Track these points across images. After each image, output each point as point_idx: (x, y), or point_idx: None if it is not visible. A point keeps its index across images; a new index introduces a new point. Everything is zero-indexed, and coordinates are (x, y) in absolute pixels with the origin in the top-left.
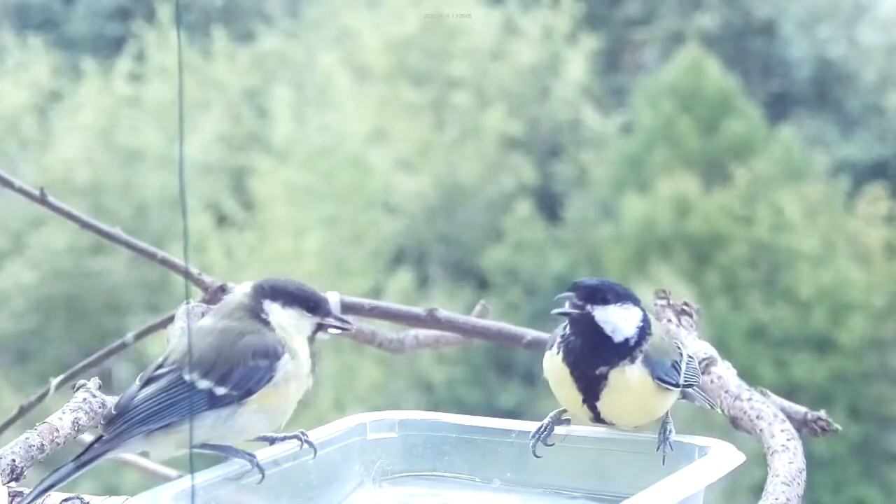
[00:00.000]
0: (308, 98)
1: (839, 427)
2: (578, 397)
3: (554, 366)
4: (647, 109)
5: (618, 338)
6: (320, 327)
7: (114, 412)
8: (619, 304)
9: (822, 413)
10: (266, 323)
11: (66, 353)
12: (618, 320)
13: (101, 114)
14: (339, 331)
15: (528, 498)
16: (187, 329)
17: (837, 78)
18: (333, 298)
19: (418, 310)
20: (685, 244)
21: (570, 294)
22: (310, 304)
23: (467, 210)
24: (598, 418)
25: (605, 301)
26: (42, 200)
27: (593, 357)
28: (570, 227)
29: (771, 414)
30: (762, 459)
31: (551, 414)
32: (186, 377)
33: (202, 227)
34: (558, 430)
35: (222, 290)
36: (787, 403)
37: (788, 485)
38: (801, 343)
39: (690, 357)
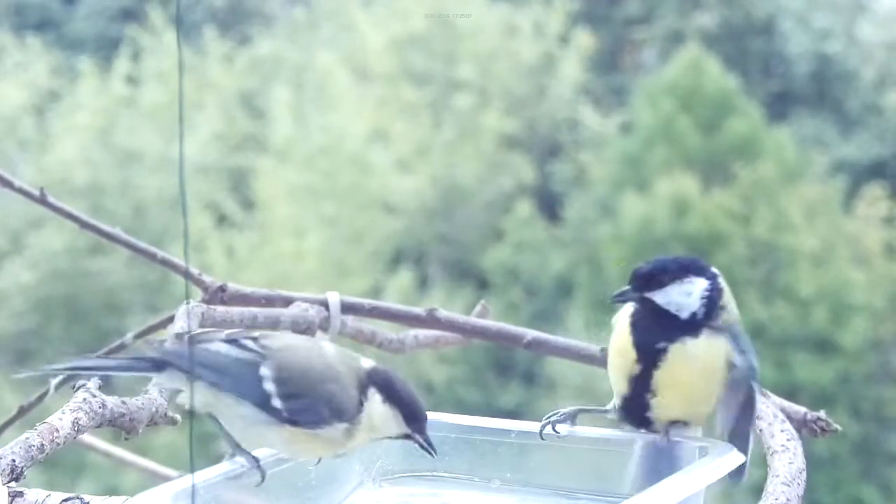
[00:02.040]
0: (307, 98)
1: (839, 427)
2: (634, 369)
3: (618, 337)
4: (646, 109)
5: (684, 315)
6: (406, 437)
7: (185, 333)
8: (676, 282)
9: (822, 413)
10: (359, 403)
11: (65, 353)
12: (680, 298)
13: (99, 114)
14: (421, 450)
15: (528, 498)
16: (187, 329)
17: (837, 76)
18: (333, 298)
19: (418, 310)
20: (684, 243)
21: (627, 288)
22: (410, 413)
23: (467, 210)
24: (643, 381)
25: (661, 284)
26: (42, 200)
27: (659, 332)
28: (569, 227)
29: (771, 414)
30: (762, 459)
31: (574, 407)
32: (261, 371)
33: (202, 226)
34: (560, 427)
35: (222, 289)
36: (786, 403)
37: (788, 485)
38: (802, 343)
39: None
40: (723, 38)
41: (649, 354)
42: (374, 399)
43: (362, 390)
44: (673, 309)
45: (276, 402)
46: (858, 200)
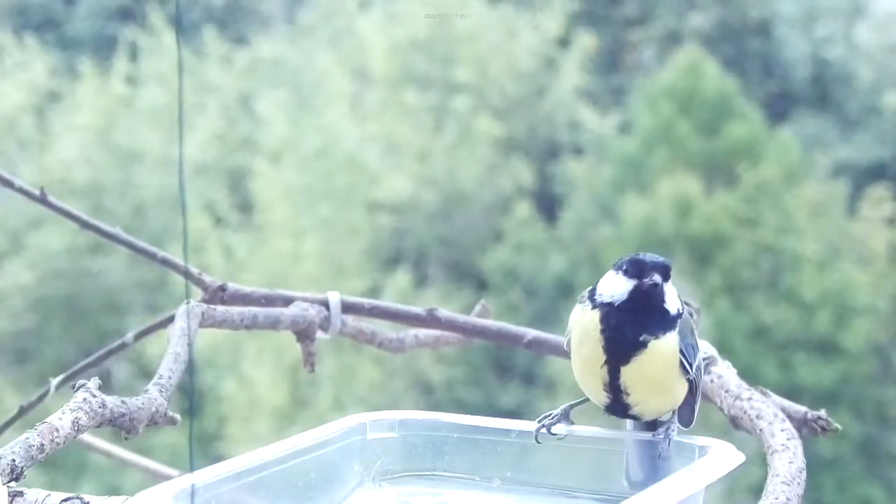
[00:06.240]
0: (304, 99)
1: (839, 426)
2: (601, 357)
3: (585, 318)
4: (645, 111)
5: (672, 311)
6: None
7: None
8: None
9: (822, 412)
10: None
11: (65, 353)
12: (671, 295)
13: (99, 114)
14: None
15: (528, 497)
16: (187, 329)
17: (835, 77)
18: (334, 298)
19: (418, 309)
20: (687, 245)
21: (659, 277)
22: None
23: (467, 212)
24: (613, 386)
25: (669, 277)
26: (42, 200)
27: (645, 324)
28: (569, 228)
29: (771, 413)
30: (762, 459)
31: (564, 406)
32: None
33: (201, 227)
34: (556, 429)
35: (222, 289)
36: (787, 403)
37: (788, 484)
38: (805, 345)
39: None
40: (720, 38)
41: (625, 349)
42: None
43: None
44: (668, 304)
45: None
46: (861, 202)
